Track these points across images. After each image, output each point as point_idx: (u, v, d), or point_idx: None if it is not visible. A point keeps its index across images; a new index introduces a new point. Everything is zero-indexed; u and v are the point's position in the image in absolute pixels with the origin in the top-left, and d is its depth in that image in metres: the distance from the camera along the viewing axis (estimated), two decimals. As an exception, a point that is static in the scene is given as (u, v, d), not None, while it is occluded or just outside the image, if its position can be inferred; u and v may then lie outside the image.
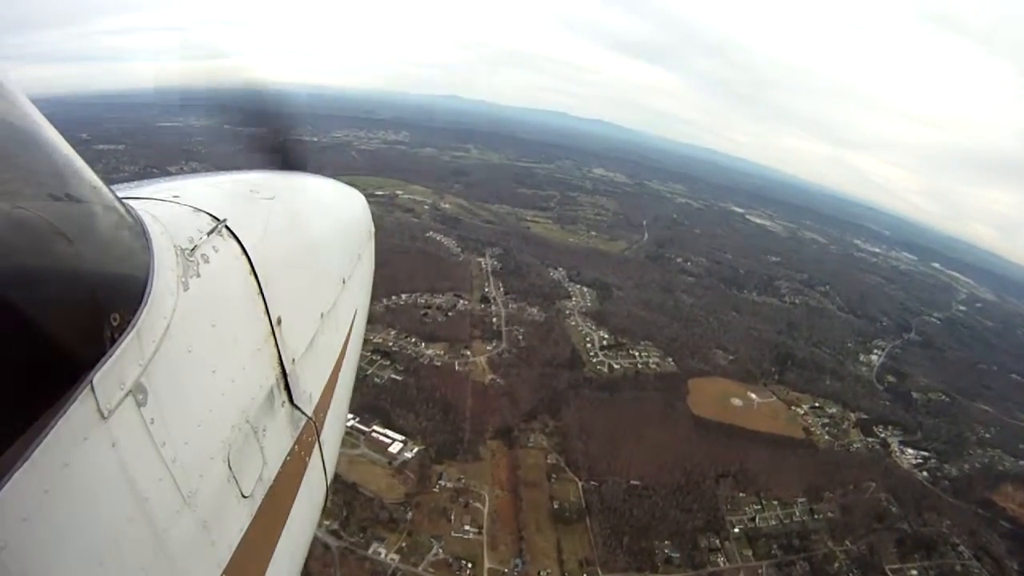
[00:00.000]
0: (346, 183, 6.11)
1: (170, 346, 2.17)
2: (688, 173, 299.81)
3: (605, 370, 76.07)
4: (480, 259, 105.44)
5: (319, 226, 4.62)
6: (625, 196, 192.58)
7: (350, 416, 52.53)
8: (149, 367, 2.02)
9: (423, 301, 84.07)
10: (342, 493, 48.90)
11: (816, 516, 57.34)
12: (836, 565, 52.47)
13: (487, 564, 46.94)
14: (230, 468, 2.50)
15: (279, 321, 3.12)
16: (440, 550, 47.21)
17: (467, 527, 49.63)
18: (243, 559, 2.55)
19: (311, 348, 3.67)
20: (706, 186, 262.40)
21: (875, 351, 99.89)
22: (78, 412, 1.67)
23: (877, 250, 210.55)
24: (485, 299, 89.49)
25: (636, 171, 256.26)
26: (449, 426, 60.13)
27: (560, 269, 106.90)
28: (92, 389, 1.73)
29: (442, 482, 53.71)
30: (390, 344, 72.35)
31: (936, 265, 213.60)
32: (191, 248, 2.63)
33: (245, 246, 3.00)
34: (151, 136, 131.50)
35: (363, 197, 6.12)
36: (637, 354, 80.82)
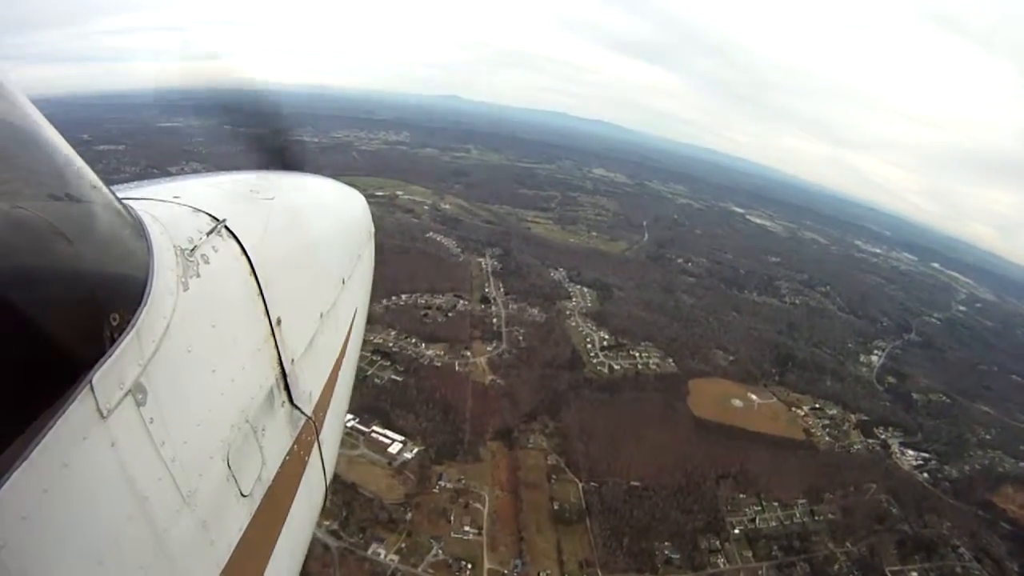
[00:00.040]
0: (346, 183, 6.11)
1: (170, 346, 2.17)
2: (689, 173, 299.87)
3: (605, 371, 76.03)
4: (480, 259, 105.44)
5: (319, 226, 4.62)
6: (626, 196, 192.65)
7: (350, 416, 52.57)
8: (149, 367, 2.02)
9: (423, 301, 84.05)
10: (342, 493, 48.84)
11: (816, 517, 57.27)
12: (836, 567, 52.38)
13: (487, 565, 46.88)
14: (229, 468, 2.50)
15: (279, 321, 3.12)
16: (440, 551, 47.15)
17: (467, 528, 49.58)
18: (242, 558, 2.55)
19: (311, 348, 3.67)
20: (707, 186, 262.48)
21: (875, 352, 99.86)
22: (77, 412, 1.67)
23: (877, 250, 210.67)
24: (485, 300, 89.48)
25: (637, 171, 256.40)
26: (449, 427, 60.09)
27: (560, 269, 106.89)
28: (92, 389, 1.73)
29: (442, 483, 53.67)
30: (390, 344, 72.34)
31: (936, 265, 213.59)
32: (191, 248, 2.63)
33: (245, 246, 3.01)
34: (151, 137, 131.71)
35: (363, 197, 6.11)
36: (637, 355, 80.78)
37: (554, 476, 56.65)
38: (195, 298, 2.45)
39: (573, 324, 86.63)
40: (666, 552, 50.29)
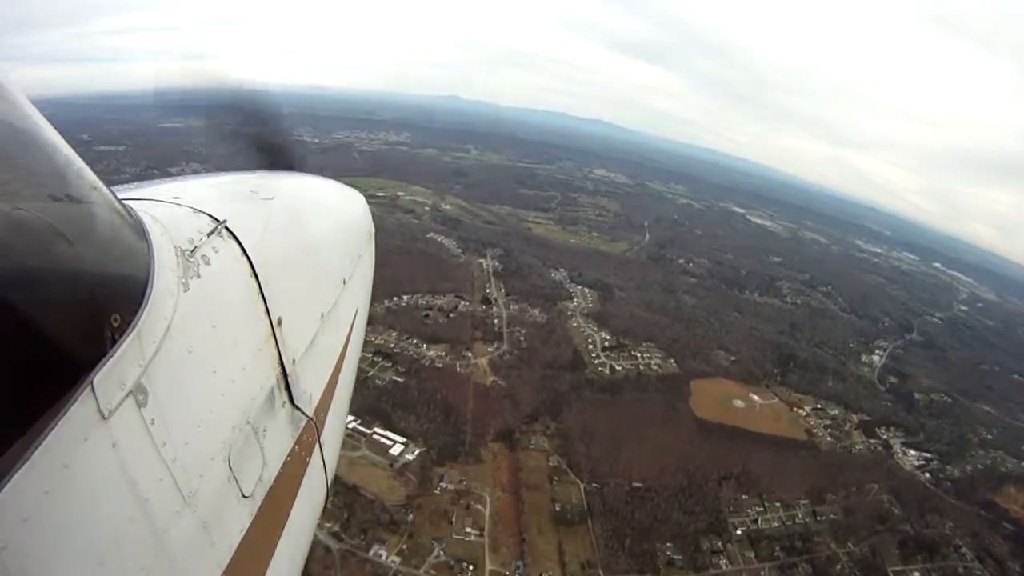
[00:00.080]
0: (347, 184, 6.12)
1: (170, 347, 2.17)
2: (689, 174, 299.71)
3: (607, 372, 75.97)
4: (481, 260, 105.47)
5: (319, 226, 4.62)
6: (626, 197, 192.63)
7: (351, 418, 52.52)
8: (149, 368, 2.02)
9: (424, 302, 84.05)
10: (343, 495, 48.83)
11: (818, 518, 57.18)
12: (839, 567, 52.29)
13: (488, 566, 46.83)
14: (230, 468, 2.50)
15: (279, 322, 3.12)
16: (441, 552, 47.11)
17: (468, 529, 49.53)
18: (243, 559, 2.55)
19: (311, 348, 3.67)
20: (707, 187, 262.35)
21: (877, 351, 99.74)
22: (78, 413, 1.67)
23: (878, 250, 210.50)
24: (486, 300, 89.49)
25: (637, 172, 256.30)
26: (450, 428, 60.06)
27: (561, 270, 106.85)
28: (92, 390, 1.73)
29: (443, 484, 53.61)
30: (391, 346, 72.35)
31: (937, 265, 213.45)
32: (191, 249, 2.63)
33: (245, 247, 3.01)
34: (151, 137, 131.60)
35: (363, 197, 6.12)
36: (639, 355, 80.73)
37: (556, 477, 56.59)
38: (196, 299, 2.45)
39: (574, 325, 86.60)
40: (668, 553, 50.21)
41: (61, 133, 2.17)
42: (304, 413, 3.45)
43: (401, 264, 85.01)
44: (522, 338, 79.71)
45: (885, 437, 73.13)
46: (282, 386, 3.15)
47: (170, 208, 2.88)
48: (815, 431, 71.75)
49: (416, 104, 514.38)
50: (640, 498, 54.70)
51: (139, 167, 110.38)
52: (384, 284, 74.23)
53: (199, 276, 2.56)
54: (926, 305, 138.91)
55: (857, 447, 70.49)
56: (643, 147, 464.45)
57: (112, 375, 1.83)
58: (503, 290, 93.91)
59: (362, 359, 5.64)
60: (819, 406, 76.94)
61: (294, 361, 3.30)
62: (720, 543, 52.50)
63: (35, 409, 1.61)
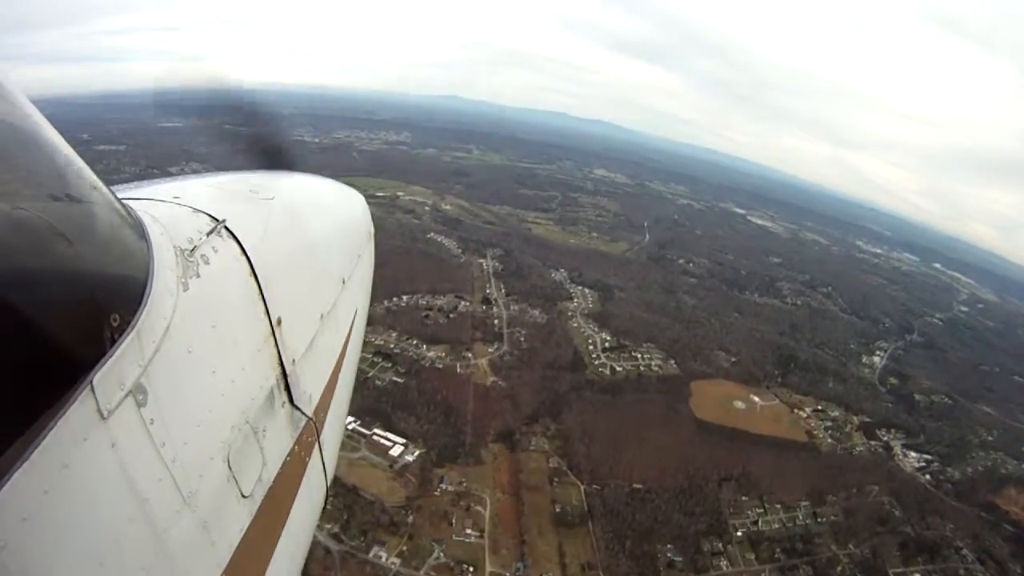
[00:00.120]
0: (347, 184, 6.12)
1: (170, 347, 2.17)
2: (689, 174, 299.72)
3: (607, 372, 75.94)
4: (481, 260, 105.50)
5: (319, 226, 4.62)
6: (626, 197, 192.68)
7: (351, 419, 52.51)
8: (149, 368, 2.02)
9: (424, 303, 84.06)
10: (343, 496, 48.81)
11: (819, 520, 57.13)
12: (839, 569, 52.22)
13: (489, 568, 46.79)
14: (230, 468, 2.50)
15: (279, 321, 3.12)
16: (441, 554, 47.06)
17: (468, 531, 49.49)
18: (243, 559, 2.55)
19: (311, 349, 3.67)
20: (707, 187, 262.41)
21: (877, 352, 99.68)
22: (78, 412, 1.67)
23: (879, 251, 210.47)
24: (486, 301, 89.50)
25: (637, 172, 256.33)
26: (450, 429, 60.04)
27: (562, 270, 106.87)
28: (92, 389, 1.73)
29: (443, 485, 53.58)
30: (391, 346, 72.34)
31: (937, 266, 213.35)
32: (191, 249, 2.63)
33: (245, 246, 3.01)
34: (151, 137, 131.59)
35: (363, 197, 6.12)
36: (639, 356, 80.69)
37: (556, 479, 56.54)
38: (195, 299, 2.46)
39: (574, 325, 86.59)
40: (668, 555, 50.16)
41: (61, 133, 2.17)
42: (304, 413, 3.45)
43: (401, 264, 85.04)
44: (522, 339, 79.69)
45: (886, 439, 73.06)
46: (282, 386, 3.15)
47: (170, 208, 2.88)
48: (816, 433, 71.69)
49: (416, 104, 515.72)
50: (640, 499, 54.66)
51: (139, 167, 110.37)
52: (384, 284, 74.26)
53: (199, 276, 2.56)
54: (926, 306, 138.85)
55: (858, 449, 70.42)
56: (643, 147, 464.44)
57: (112, 375, 1.83)
58: (503, 290, 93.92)
59: (362, 359, 5.64)
60: (820, 407, 76.87)
61: (294, 361, 3.30)
62: (720, 545, 52.45)
63: (35, 409, 1.61)
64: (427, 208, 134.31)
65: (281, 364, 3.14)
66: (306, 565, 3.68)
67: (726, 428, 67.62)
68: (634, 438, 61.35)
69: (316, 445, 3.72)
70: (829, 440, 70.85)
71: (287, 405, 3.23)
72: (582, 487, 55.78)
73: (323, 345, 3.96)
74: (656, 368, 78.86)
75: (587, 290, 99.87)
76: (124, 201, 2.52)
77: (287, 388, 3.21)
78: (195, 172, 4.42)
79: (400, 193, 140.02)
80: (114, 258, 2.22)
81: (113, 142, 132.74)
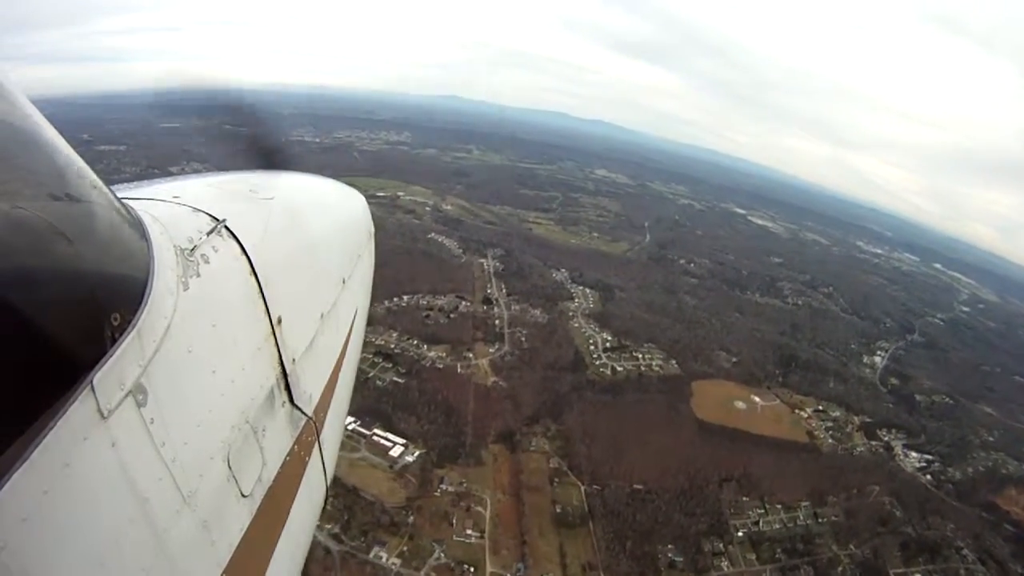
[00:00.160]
0: (347, 184, 6.12)
1: (170, 346, 2.17)
2: (690, 174, 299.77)
3: (608, 373, 75.90)
4: (482, 260, 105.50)
5: (319, 226, 4.62)
6: (627, 197, 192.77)
7: (351, 419, 52.56)
8: (149, 367, 2.02)
9: (425, 303, 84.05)
10: (343, 497, 48.82)
11: (820, 520, 57.08)
12: (840, 569, 52.17)
13: (489, 568, 46.77)
14: (230, 468, 2.50)
15: (279, 321, 3.12)
16: (442, 554, 47.05)
17: (469, 531, 49.47)
18: (243, 559, 2.55)
19: (311, 348, 3.67)
20: (708, 187, 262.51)
21: (878, 353, 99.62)
22: (78, 412, 1.67)
23: (879, 251, 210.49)
24: (487, 301, 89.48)
25: (638, 172, 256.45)
26: (451, 429, 60.03)
27: (562, 270, 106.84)
28: (92, 389, 1.73)
29: (444, 486, 53.56)
30: (392, 346, 72.34)
31: (938, 266, 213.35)
32: (191, 248, 2.63)
33: (245, 246, 3.01)
34: (152, 137, 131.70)
35: (363, 197, 6.13)
36: (640, 356, 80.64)
37: (556, 479, 56.52)
38: (195, 298, 2.46)
39: (575, 325, 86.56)
40: (669, 555, 50.13)
41: (61, 133, 2.18)
42: (304, 413, 3.45)
43: (402, 264, 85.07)
44: (523, 339, 79.66)
45: (886, 439, 72.99)
46: (282, 386, 3.15)
47: (170, 207, 2.89)
48: (816, 433, 71.63)
49: (417, 104, 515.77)
50: (641, 500, 54.63)
51: (139, 167, 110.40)
52: (385, 284, 74.33)
53: (199, 275, 2.57)
54: (927, 306, 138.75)
55: (858, 449, 70.36)
56: (644, 147, 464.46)
57: (112, 374, 1.83)
58: (504, 290, 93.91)
59: (362, 360, 5.64)
60: (820, 408, 76.81)
61: (294, 360, 3.30)
62: (721, 545, 52.42)
63: (35, 408, 1.61)
64: (428, 208, 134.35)
65: (281, 364, 3.14)
66: (306, 565, 3.67)
67: (727, 428, 67.57)
68: (635, 438, 61.31)
69: (316, 445, 3.72)
70: (830, 440, 70.78)
71: (287, 405, 3.23)
72: (583, 487, 55.74)
73: (323, 345, 3.96)
74: (657, 368, 78.80)
75: (588, 290, 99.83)
76: (124, 201, 2.53)
77: (287, 388, 3.21)
78: (195, 172, 4.42)
79: (401, 193, 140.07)
80: (114, 258, 2.22)
81: (113, 142, 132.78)
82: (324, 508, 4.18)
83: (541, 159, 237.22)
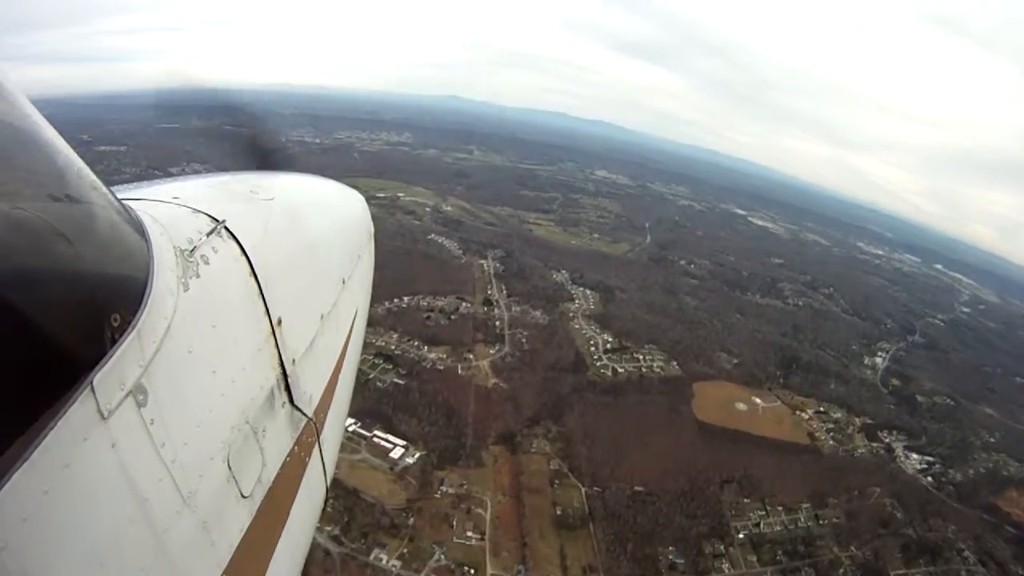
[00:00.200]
0: (348, 185, 6.13)
1: (170, 347, 2.17)
2: (690, 175, 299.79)
3: (609, 374, 75.83)
4: (482, 262, 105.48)
5: (319, 227, 4.62)
6: (627, 198, 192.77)
7: (351, 421, 52.51)
8: (149, 368, 2.02)
9: (425, 304, 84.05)
10: (343, 499, 48.78)
11: (821, 522, 56.98)
12: (841, 571, 52.07)
13: (490, 570, 46.70)
14: (230, 469, 2.50)
15: (279, 322, 3.12)
16: (442, 556, 46.98)
17: (469, 533, 49.39)
18: (243, 559, 2.55)
19: (311, 349, 3.67)
20: (708, 188, 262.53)
21: (879, 353, 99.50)
22: (78, 413, 1.67)
23: (880, 252, 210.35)
24: (488, 302, 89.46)
25: (638, 173, 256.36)
26: (451, 431, 59.98)
27: (563, 271, 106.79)
28: (92, 390, 1.73)
29: (444, 488, 53.51)
30: (392, 347, 72.33)
31: (939, 267, 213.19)
32: (191, 249, 2.63)
33: (244, 247, 3.01)
34: (152, 137, 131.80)
35: (363, 198, 6.14)
36: (641, 357, 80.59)
37: (557, 481, 56.44)
38: (195, 299, 2.46)
39: (576, 326, 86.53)
40: (670, 557, 50.05)
41: (61, 133, 2.18)
42: (304, 413, 3.45)
43: (402, 265, 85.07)
44: (524, 340, 79.62)
45: (887, 440, 72.89)
46: (282, 386, 3.16)
47: (169, 208, 2.89)
48: (817, 434, 71.53)
49: (418, 104, 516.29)
50: (642, 502, 54.55)
51: (139, 167, 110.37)
52: (385, 285, 74.33)
53: (199, 276, 2.57)
54: (928, 307, 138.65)
55: (859, 451, 70.24)
56: (645, 148, 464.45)
57: (112, 375, 1.83)
58: (504, 292, 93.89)
59: (363, 361, 5.64)
60: (822, 409, 76.73)
61: (294, 361, 3.31)
62: (722, 547, 52.34)
63: (35, 409, 1.61)
64: (428, 209, 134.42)
65: (281, 364, 3.14)
66: (306, 567, 3.67)
67: (728, 430, 67.46)
68: (636, 440, 61.25)
69: (316, 445, 3.72)
70: (831, 442, 70.66)
71: (287, 405, 3.23)
72: (583, 489, 55.67)
73: (323, 345, 3.97)
74: (658, 369, 78.74)
75: (588, 291, 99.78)
76: (124, 201, 2.53)
77: (287, 388, 3.21)
78: (195, 172, 4.43)
79: (401, 194, 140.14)
80: (114, 258, 2.22)
81: (113, 143, 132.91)
82: (324, 509, 4.19)
83: (542, 160, 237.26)
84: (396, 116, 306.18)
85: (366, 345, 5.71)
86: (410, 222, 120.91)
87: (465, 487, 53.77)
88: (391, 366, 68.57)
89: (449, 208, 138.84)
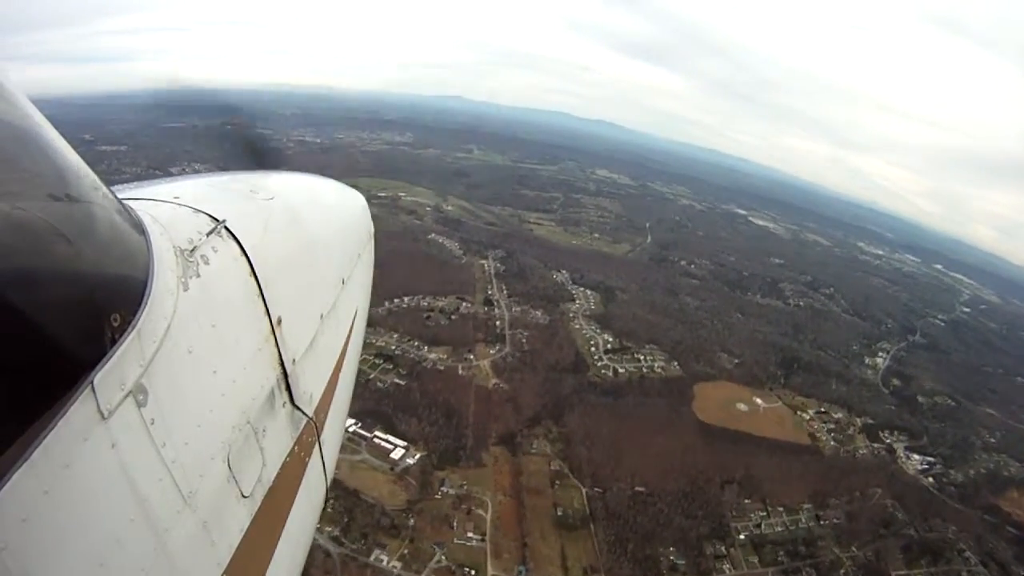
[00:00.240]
0: (349, 184, 6.13)
1: (170, 347, 2.18)
2: (691, 175, 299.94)
3: (610, 374, 75.80)
4: (483, 262, 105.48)
5: (319, 226, 4.62)
6: (628, 198, 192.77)
7: (352, 421, 52.49)
8: (150, 368, 2.02)
9: (426, 304, 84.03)
10: (343, 499, 48.77)
11: (822, 522, 56.92)
12: (842, 572, 52.03)
13: (491, 571, 46.65)
14: (230, 468, 2.50)
15: (279, 321, 3.12)
16: (443, 557, 46.93)
17: (470, 534, 49.34)
18: (243, 559, 2.55)
19: (311, 348, 3.67)
20: (709, 188, 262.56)
21: (880, 354, 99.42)
22: (78, 412, 1.67)
23: (880, 252, 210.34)
24: (488, 302, 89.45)
25: (639, 172, 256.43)
26: (452, 431, 59.93)
27: (563, 271, 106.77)
28: (93, 389, 1.73)
29: (444, 488, 53.47)
30: (393, 347, 72.32)
31: (939, 267, 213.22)
32: (191, 249, 2.64)
33: (245, 247, 3.01)
34: (153, 137, 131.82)
35: (363, 197, 6.14)
36: (642, 358, 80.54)
37: (557, 482, 56.39)
38: (195, 299, 2.46)
39: (577, 327, 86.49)
40: (671, 558, 50.00)
41: (61, 133, 2.18)
42: (304, 413, 3.45)
43: (403, 265, 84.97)
44: (524, 340, 79.57)
45: (888, 441, 72.84)
46: (282, 386, 3.16)
47: (170, 208, 2.89)
48: (818, 435, 71.48)
49: (418, 104, 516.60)
50: (643, 502, 54.49)
51: (140, 167, 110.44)
52: (385, 285, 74.33)
53: (199, 276, 2.57)
54: (928, 307, 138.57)
55: (860, 451, 70.18)
56: (645, 148, 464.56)
57: (112, 375, 1.83)
58: (505, 292, 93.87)
59: (363, 361, 5.64)
60: (823, 409, 76.70)
61: (294, 361, 3.31)
62: (723, 548, 52.29)
63: (35, 409, 1.61)
64: (429, 209, 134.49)
65: (281, 364, 3.14)
66: (306, 567, 3.67)
67: (729, 431, 67.40)
68: (636, 441, 61.19)
69: (316, 445, 3.72)
70: (832, 442, 70.61)
71: (287, 405, 3.23)
72: (584, 490, 55.63)
73: (323, 345, 3.97)
74: (659, 370, 78.69)
75: (589, 291, 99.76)
76: (124, 201, 2.53)
77: (287, 388, 3.21)
78: (195, 172, 4.43)
79: (402, 194, 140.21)
80: (114, 258, 2.22)
81: (114, 143, 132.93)
82: (324, 509, 4.19)
83: (543, 159, 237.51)
84: (397, 116, 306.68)
85: (366, 345, 5.71)
86: (411, 222, 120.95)
87: (466, 488, 53.74)
88: (391, 366, 68.55)
89: (450, 208, 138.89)
